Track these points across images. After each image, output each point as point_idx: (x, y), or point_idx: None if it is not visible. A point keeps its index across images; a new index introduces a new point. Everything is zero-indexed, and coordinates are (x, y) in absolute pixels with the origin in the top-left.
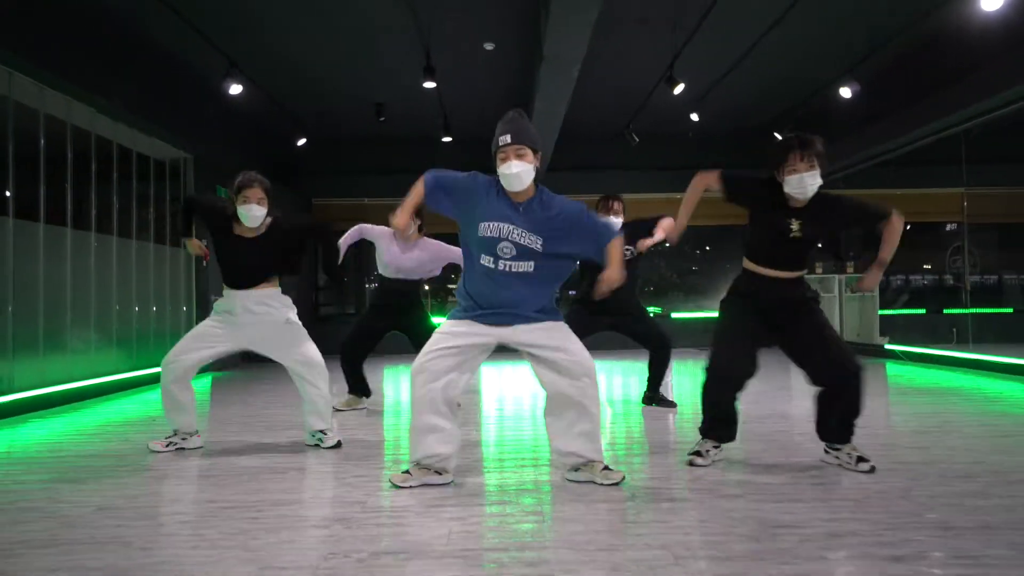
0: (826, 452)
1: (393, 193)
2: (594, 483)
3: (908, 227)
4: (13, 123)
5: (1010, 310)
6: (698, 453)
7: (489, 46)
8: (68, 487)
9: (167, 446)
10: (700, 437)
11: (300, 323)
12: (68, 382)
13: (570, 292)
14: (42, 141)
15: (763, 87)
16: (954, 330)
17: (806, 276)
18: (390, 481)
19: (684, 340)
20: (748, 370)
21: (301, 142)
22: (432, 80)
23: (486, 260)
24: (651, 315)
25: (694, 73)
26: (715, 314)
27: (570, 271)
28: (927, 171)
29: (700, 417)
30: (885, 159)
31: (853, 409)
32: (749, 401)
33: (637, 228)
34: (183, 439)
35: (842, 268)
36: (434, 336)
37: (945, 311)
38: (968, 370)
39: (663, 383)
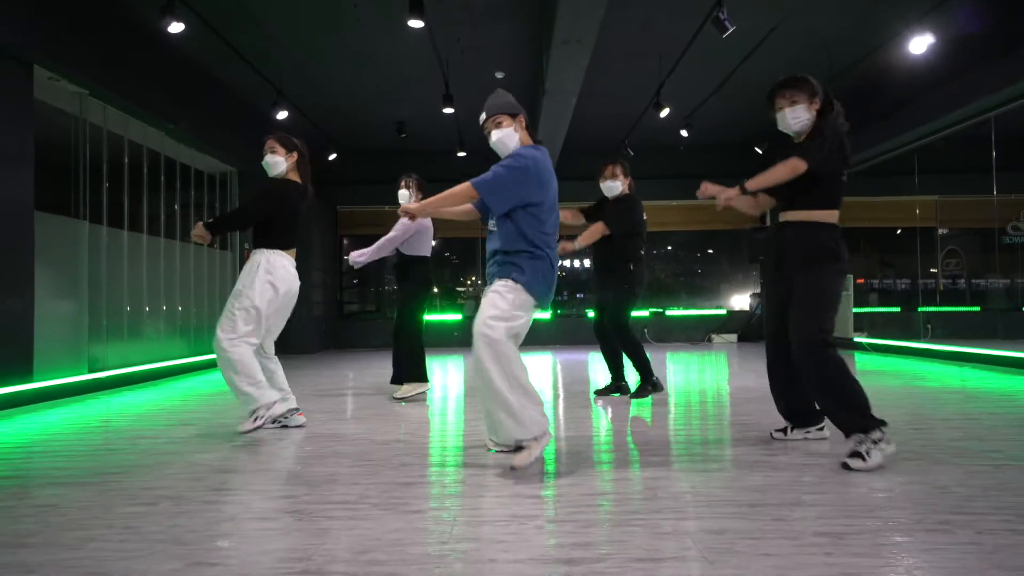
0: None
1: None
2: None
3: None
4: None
5: (977, 308)
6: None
7: (500, 74)
8: (197, 443)
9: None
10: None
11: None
12: (147, 363)
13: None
14: (96, 156)
15: (742, 108)
16: (928, 326)
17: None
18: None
19: (679, 335)
20: None
21: (332, 157)
22: (451, 106)
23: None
24: (620, 304)
25: (680, 97)
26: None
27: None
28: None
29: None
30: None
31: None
32: None
33: (608, 207)
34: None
35: None
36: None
37: (920, 308)
38: (931, 359)
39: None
